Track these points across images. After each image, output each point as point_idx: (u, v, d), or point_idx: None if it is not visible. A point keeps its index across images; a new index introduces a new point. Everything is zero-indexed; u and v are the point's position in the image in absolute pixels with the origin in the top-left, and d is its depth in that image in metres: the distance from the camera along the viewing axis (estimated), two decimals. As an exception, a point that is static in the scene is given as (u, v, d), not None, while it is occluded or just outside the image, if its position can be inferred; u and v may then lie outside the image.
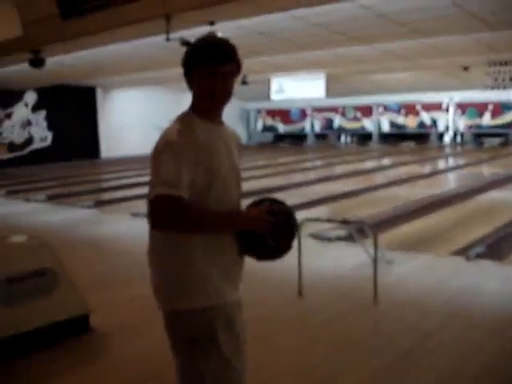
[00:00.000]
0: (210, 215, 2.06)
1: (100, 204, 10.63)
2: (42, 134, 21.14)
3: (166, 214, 1.99)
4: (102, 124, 22.58)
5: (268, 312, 4.57)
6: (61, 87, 19.54)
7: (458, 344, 3.88)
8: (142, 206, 9.49)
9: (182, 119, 2.15)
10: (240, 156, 2.28)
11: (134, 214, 8.95)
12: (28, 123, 20.80)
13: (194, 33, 9.89)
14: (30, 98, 20.67)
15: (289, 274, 5.04)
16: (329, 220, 5.94)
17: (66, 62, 13.47)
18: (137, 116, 23.40)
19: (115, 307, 4.77)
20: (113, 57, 12.97)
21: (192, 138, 2.05)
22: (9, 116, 20.25)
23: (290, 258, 4.83)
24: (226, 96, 2.13)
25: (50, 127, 21.21)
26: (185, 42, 8.72)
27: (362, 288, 4.90)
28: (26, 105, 20.74)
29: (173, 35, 8.95)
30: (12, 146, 20.43)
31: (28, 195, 12.08)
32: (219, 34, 9.81)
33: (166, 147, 2.02)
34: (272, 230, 2.09)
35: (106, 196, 12.73)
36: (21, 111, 20.60)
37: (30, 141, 20.87)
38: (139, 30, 9.06)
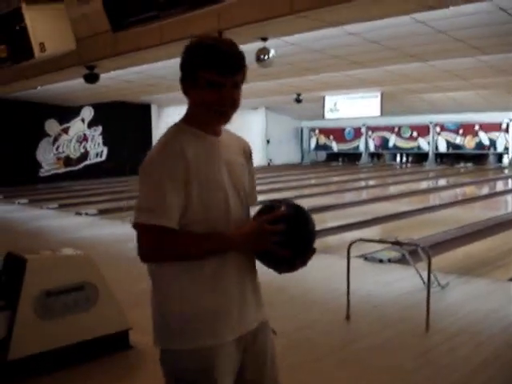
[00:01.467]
0: (196, 243, 1.77)
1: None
2: (97, 149, 21.49)
3: (146, 245, 1.75)
4: (156, 140, 22.79)
5: (315, 336, 4.39)
6: (117, 103, 19.86)
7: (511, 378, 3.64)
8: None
9: (169, 132, 1.87)
10: (249, 164, 2.00)
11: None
12: (84, 138, 21.18)
13: (247, 48, 9.87)
14: (87, 113, 21.06)
15: (338, 296, 4.86)
16: (381, 241, 5.71)
17: (120, 77, 13.63)
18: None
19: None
20: (167, 73, 13.06)
21: (178, 152, 1.76)
22: (66, 131, 20.65)
23: (339, 279, 4.67)
24: (235, 106, 1.84)
25: (105, 143, 21.55)
26: (262, 59, 8.68)
27: (412, 314, 4.67)
28: (83, 120, 21.12)
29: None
30: (68, 160, 20.81)
31: (79, 208, 12.20)
32: (272, 52, 9.74)
33: (147, 166, 1.78)
34: (278, 239, 1.75)
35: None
36: (77, 126, 20.99)
37: (85, 156, 21.23)
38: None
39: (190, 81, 1.82)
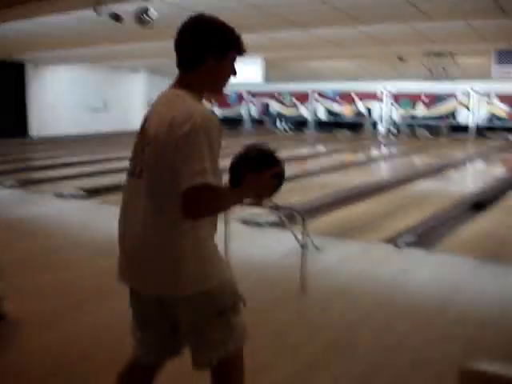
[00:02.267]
0: (229, 196, 2.12)
1: (24, 184, 10.18)
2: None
3: (202, 204, 1.96)
4: (31, 102, 21.74)
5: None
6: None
7: (385, 334, 3.82)
8: (69, 187, 9.20)
9: (197, 100, 2.10)
10: None
11: (58, 195, 8.60)
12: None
13: (128, 8, 9.58)
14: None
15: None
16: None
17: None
18: (68, 95, 22.68)
19: (32, 293, 4.51)
20: (43, 31, 12.44)
21: (216, 120, 2.06)
22: None
23: (219, 243, 4.69)
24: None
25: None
26: (115, 17, 8.42)
27: (289, 276, 4.78)
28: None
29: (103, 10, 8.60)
30: None
31: None
32: (153, 12, 9.54)
33: (205, 127, 1.97)
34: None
35: (32, 176, 12.22)
36: None
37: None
38: (69, 2, 8.70)
39: (218, 56, 2.10)
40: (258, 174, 2.16)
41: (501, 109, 22.43)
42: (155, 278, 2.07)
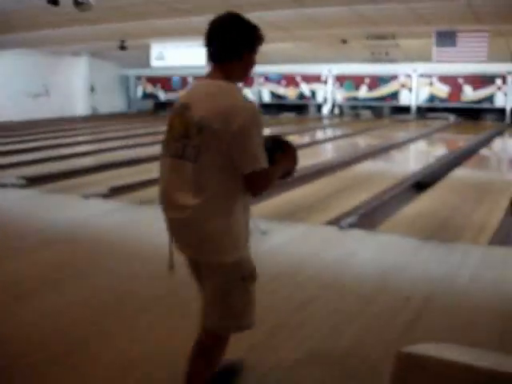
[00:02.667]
0: (274, 173, 2.52)
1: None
2: None
3: (264, 185, 2.45)
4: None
5: (139, 288, 4.37)
6: None
7: (331, 315, 3.88)
8: (9, 176, 8.97)
9: (238, 91, 2.47)
10: None
11: (-1, 184, 8.41)
12: None
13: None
14: None
15: (161, 246, 4.85)
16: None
17: None
18: (8, 80, 22.06)
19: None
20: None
21: (259, 111, 2.44)
22: None
23: (161, 232, 4.66)
24: None
25: None
26: (52, 0, 8.18)
27: (236, 260, 4.81)
28: None
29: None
30: None
31: None
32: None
33: (255, 121, 2.36)
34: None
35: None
36: None
37: None
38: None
39: (250, 49, 2.48)
40: (285, 154, 2.60)
41: (441, 90, 22.90)
42: (198, 245, 2.44)
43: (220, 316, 2.55)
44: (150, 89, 28.68)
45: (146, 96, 29.02)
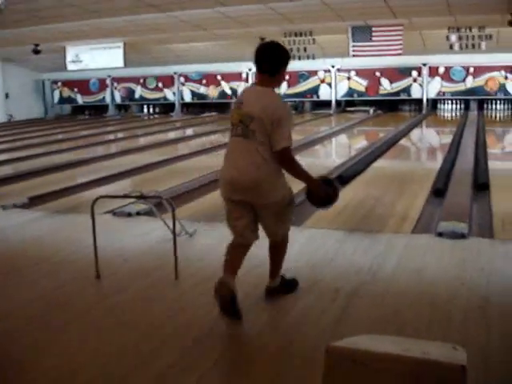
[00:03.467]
0: (303, 170, 3.83)
1: None
2: None
3: (290, 157, 3.74)
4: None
5: (66, 297, 4.24)
6: None
7: (263, 311, 3.90)
8: None
9: (277, 94, 3.88)
10: None
11: None
12: None
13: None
14: None
15: (88, 254, 4.74)
16: (124, 196, 5.60)
17: None
18: None
19: None
20: None
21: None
22: None
23: (90, 237, 4.55)
24: None
25: None
26: None
27: (163, 264, 4.74)
28: None
29: None
30: None
31: None
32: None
33: (288, 113, 3.76)
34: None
35: None
36: None
37: None
38: None
39: (284, 66, 3.75)
40: (320, 183, 3.92)
41: (360, 83, 23.36)
42: (257, 193, 3.69)
43: (279, 228, 3.93)
44: (67, 93, 27.98)
45: (63, 100, 28.29)
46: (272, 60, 3.69)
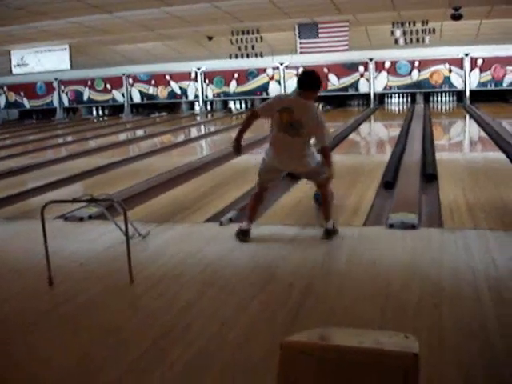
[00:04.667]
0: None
1: None
2: None
3: (329, 150, 5.51)
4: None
5: (18, 309, 4.16)
6: None
7: (218, 311, 3.89)
8: None
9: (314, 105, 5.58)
10: None
11: None
12: None
13: None
14: None
15: (40, 261, 4.66)
16: (73, 200, 5.51)
17: None
18: None
19: None
20: None
21: None
22: None
23: (41, 243, 4.47)
24: None
25: None
26: None
27: (117, 267, 4.69)
28: None
29: None
30: None
31: None
32: None
33: (323, 118, 5.40)
34: None
35: None
36: None
37: None
38: None
39: (319, 88, 5.31)
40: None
41: (308, 80, 23.54)
42: (298, 165, 5.43)
43: (322, 177, 5.39)
44: (13, 97, 27.43)
45: (10, 105, 27.74)
46: (310, 83, 5.27)
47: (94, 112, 26.99)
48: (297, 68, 23.47)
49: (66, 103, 26.91)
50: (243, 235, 5.38)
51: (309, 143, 5.35)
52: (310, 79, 5.28)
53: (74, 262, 5.07)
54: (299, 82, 5.33)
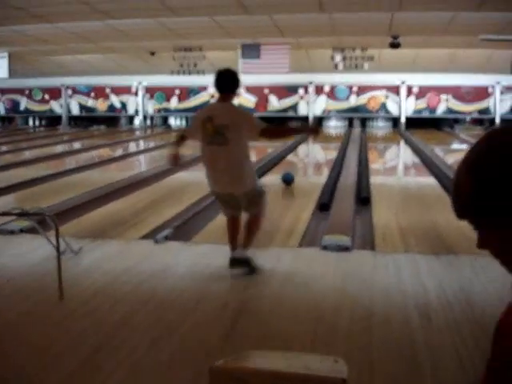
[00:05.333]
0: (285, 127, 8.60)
1: None
2: None
3: (272, 130, 5.14)
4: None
5: None
6: None
7: (152, 328, 3.86)
8: None
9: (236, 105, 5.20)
10: None
11: None
12: None
13: None
14: None
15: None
16: (4, 213, 5.37)
17: None
18: None
19: None
20: None
21: None
22: None
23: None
24: None
25: None
26: None
27: (47, 284, 4.59)
28: None
29: None
30: None
31: None
32: None
33: (247, 112, 5.72)
34: None
35: None
36: None
37: None
38: None
39: (237, 88, 5.04)
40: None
41: (249, 100, 23.69)
42: (235, 185, 4.81)
43: (256, 209, 4.96)
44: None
45: None
46: (227, 83, 4.90)
47: (31, 122, 26.39)
48: (238, 87, 23.64)
49: (2, 112, 26.23)
50: (231, 264, 4.92)
51: (244, 154, 4.86)
52: (223, 82, 4.86)
53: (3, 276, 4.93)
54: (215, 85, 4.90)
